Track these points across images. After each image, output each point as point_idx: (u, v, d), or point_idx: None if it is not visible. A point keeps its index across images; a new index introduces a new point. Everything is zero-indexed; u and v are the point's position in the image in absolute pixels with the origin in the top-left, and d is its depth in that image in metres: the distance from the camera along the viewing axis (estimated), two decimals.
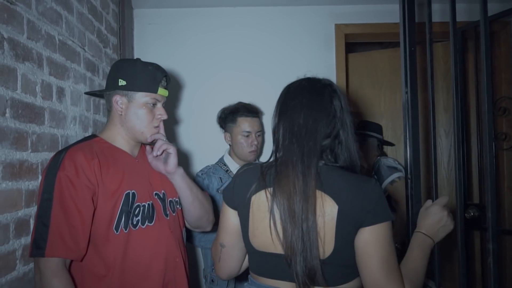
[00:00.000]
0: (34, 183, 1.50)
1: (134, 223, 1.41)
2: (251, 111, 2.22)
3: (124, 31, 2.47)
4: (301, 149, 1.13)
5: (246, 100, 2.68)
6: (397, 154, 2.94)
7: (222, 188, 2.15)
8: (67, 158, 1.32)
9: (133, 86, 1.45)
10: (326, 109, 1.17)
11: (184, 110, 2.74)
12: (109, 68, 2.28)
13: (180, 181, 1.56)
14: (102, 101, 2.17)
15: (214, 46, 2.75)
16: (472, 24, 2.40)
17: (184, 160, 2.54)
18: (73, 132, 1.82)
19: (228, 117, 2.22)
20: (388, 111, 3.02)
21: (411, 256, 1.20)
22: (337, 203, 1.08)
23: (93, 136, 1.51)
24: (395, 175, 2.37)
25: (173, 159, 1.52)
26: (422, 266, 1.18)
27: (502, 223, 2.68)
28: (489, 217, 1.11)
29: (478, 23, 2.35)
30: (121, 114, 1.48)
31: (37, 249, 1.24)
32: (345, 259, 1.11)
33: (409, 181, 1.64)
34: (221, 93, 2.62)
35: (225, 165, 2.25)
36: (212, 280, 2.14)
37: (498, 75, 2.65)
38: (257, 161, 2.32)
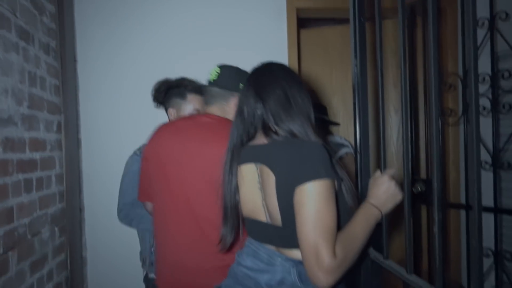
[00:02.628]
0: None
1: None
2: (199, 89, 2.14)
3: None
4: (232, 134, 1.35)
5: (195, 74, 2.58)
6: (348, 132, 2.96)
7: None
8: None
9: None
10: (247, 91, 1.32)
11: (129, 86, 2.61)
12: (47, 37, 2.13)
13: None
14: (39, 73, 2.02)
15: (161, 17, 2.62)
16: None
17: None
18: (5, 106, 1.67)
19: (174, 91, 2.11)
20: (339, 88, 3.03)
21: (352, 221, 1.20)
22: (274, 173, 1.18)
23: None
24: (343, 151, 2.38)
25: None
26: (361, 232, 1.17)
27: (447, 197, 2.77)
28: (434, 188, 1.11)
29: None
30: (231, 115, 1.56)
31: None
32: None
33: (358, 155, 1.64)
34: (170, 68, 2.51)
35: None
36: (152, 263, 2.06)
37: (445, 52, 2.71)
38: None
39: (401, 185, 1.30)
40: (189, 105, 2.08)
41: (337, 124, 2.76)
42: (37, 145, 1.98)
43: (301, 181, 1.09)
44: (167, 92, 2.11)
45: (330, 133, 2.71)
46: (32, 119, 1.93)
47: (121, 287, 2.47)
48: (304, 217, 1.08)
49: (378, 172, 1.34)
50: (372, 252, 1.53)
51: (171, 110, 2.12)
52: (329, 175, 1.10)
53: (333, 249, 1.06)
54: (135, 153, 2.12)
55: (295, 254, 1.22)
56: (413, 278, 1.25)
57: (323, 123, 2.59)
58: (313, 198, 1.08)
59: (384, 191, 1.26)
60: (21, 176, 1.80)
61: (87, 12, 2.57)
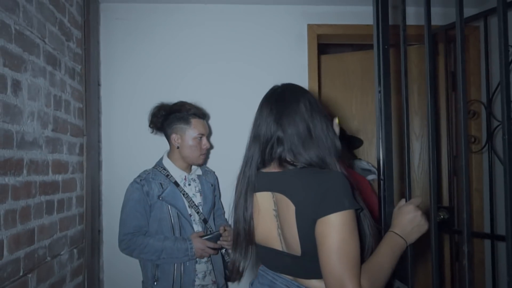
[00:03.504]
0: None
1: None
2: (203, 112, 2.14)
3: (89, 25, 2.35)
4: (246, 157, 1.31)
5: (217, 97, 2.60)
6: (369, 157, 2.92)
7: (163, 195, 2.03)
8: None
9: None
10: (267, 116, 1.26)
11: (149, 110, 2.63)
12: (73, 62, 2.17)
13: None
14: (65, 96, 2.05)
15: (184, 43, 2.66)
16: (443, 27, 2.42)
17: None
18: (30, 129, 1.70)
19: (176, 116, 2.08)
20: (359, 113, 3.01)
21: (377, 251, 1.16)
22: (294, 203, 1.14)
23: None
24: (369, 178, 2.34)
25: None
26: (387, 263, 1.14)
27: (471, 226, 2.70)
28: (464, 219, 1.08)
29: (448, 27, 2.37)
30: None
31: None
32: (316, 255, 1.10)
33: (381, 182, 1.61)
34: (191, 91, 2.54)
35: (164, 169, 2.10)
36: None
37: (467, 79, 2.68)
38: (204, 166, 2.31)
39: (426, 214, 1.26)
40: (194, 130, 2.06)
41: (360, 141, 2.66)
42: (60, 167, 2.00)
43: (325, 213, 1.06)
44: (167, 117, 2.10)
45: (356, 157, 2.66)
46: (56, 142, 1.96)
47: None
48: (328, 249, 1.05)
49: (403, 201, 1.30)
50: (397, 283, 1.48)
51: (174, 136, 2.09)
52: (352, 205, 1.08)
53: (358, 281, 1.03)
54: (135, 181, 2.06)
55: (314, 284, 1.18)
56: None
57: (348, 148, 2.55)
58: (337, 229, 1.05)
59: (409, 221, 1.21)
60: (43, 198, 1.81)
61: (112, 38, 2.62)
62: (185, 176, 2.14)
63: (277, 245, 1.25)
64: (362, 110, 3.00)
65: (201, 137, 2.08)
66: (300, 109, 1.23)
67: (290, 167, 1.20)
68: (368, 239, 1.18)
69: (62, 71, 2.03)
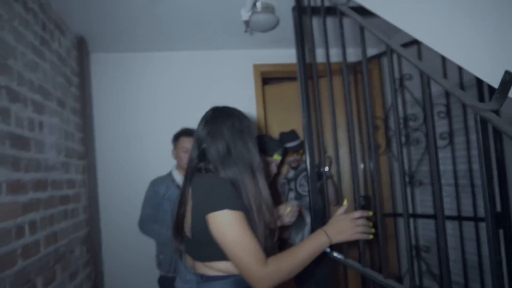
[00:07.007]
0: (26, 197, 1.74)
1: None
2: (189, 132, 2.52)
3: (83, 72, 2.70)
4: (190, 158, 1.40)
5: (186, 124, 3.03)
6: None
7: (166, 195, 2.39)
8: None
9: None
10: (200, 132, 1.36)
11: (133, 138, 3.01)
12: (75, 103, 2.52)
13: None
14: (70, 129, 2.40)
15: (157, 84, 3.08)
16: (353, 64, 2.98)
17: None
18: (51, 156, 2.05)
19: (174, 137, 2.53)
20: (297, 130, 3.51)
21: (301, 243, 1.26)
22: (192, 199, 1.27)
23: None
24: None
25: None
26: (302, 253, 1.23)
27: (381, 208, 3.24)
28: (377, 205, 1.31)
29: (358, 64, 2.93)
30: None
31: None
32: (204, 240, 1.23)
33: (310, 183, 2.01)
34: (164, 122, 2.97)
35: (171, 175, 2.50)
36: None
37: (373, 101, 3.24)
38: None
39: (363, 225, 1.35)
40: (179, 145, 2.46)
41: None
42: (71, 184, 2.34)
43: (209, 211, 1.18)
44: (174, 138, 2.54)
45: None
46: (67, 165, 2.30)
47: None
48: (230, 244, 1.16)
49: (341, 209, 1.38)
50: (334, 253, 1.66)
51: (173, 151, 2.54)
52: (229, 206, 1.17)
53: (262, 263, 1.14)
54: (150, 183, 2.46)
55: (198, 266, 1.29)
56: (367, 270, 1.47)
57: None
58: (228, 226, 1.16)
59: (337, 224, 1.31)
60: (61, 208, 2.16)
61: (102, 82, 2.99)
62: None
63: (188, 231, 1.34)
64: (298, 127, 3.49)
65: (186, 151, 2.43)
66: (222, 130, 1.30)
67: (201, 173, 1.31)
68: (262, 239, 1.23)
69: (67, 110, 2.39)
